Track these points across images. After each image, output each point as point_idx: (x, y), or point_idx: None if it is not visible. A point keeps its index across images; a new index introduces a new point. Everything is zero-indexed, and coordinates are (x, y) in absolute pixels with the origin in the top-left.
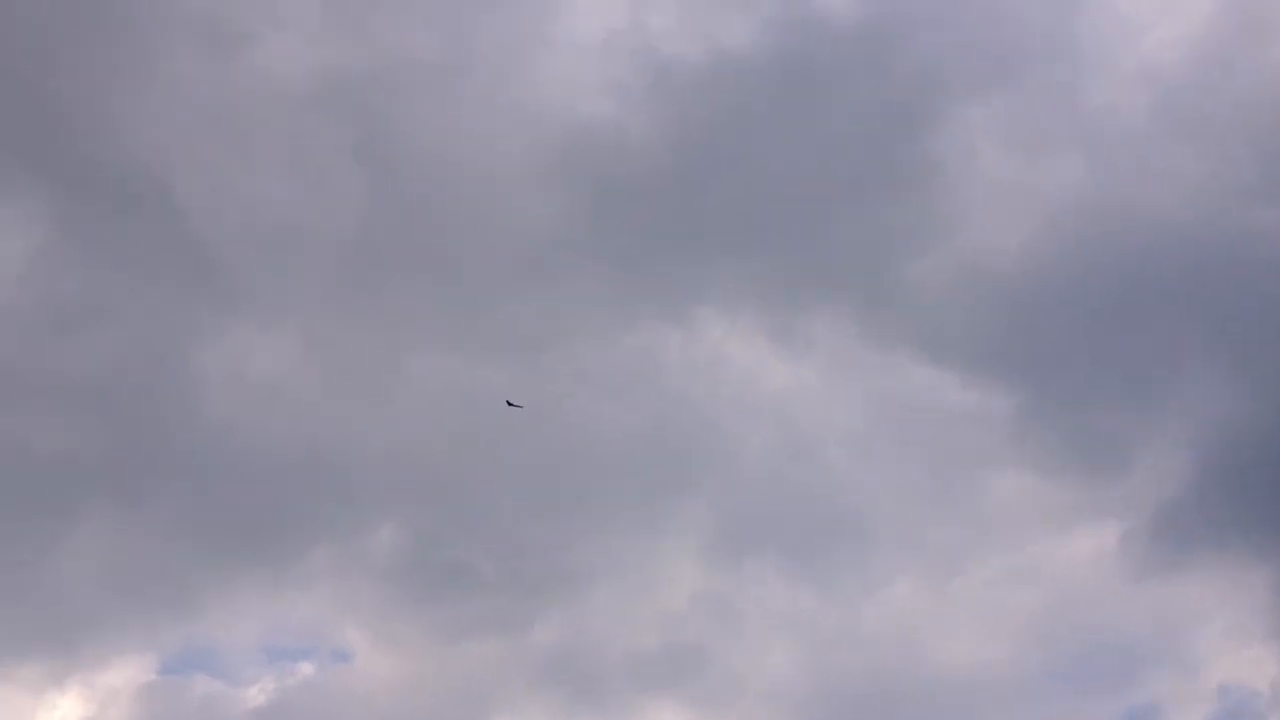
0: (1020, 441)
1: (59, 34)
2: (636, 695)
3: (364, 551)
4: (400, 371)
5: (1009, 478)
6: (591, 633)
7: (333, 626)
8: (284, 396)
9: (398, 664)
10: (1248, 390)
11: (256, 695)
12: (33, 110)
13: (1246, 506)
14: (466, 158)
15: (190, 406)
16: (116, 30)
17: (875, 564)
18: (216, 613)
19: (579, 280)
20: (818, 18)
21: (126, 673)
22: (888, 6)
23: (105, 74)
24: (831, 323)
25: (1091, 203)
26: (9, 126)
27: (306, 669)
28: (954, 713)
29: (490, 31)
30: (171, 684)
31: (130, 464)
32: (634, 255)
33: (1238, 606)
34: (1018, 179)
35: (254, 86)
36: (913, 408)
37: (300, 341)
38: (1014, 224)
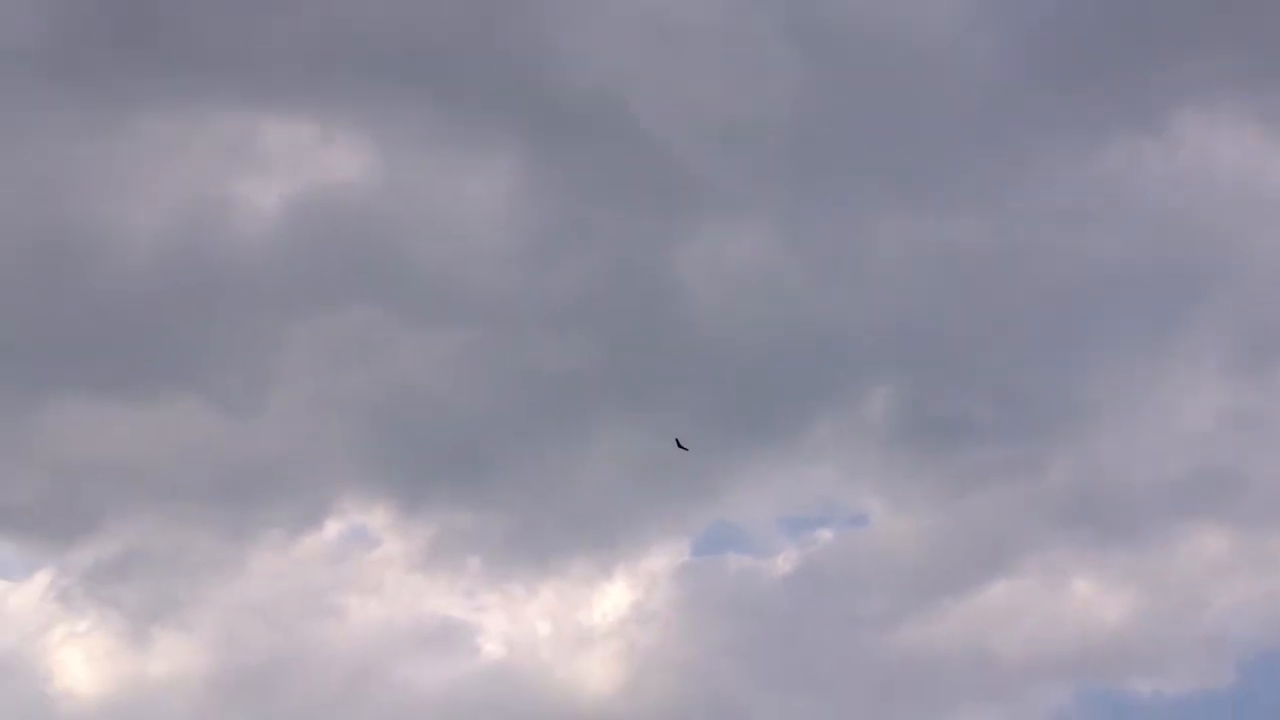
0: None
1: None
2: (1170, 523)
3: (864, 418)
4: (867, 237)
5: None
6: (1111, 466)
7: (845, 494)
8: (763, 280)
9: (915, 521)
10: None
11: (783, 564)
12: (491, 65)
13: None
14: (898, 16)
15: (679, 305)
16: None
17: None
18: (735, 494)
19: (1037, 112)
20: None
21: (664, 558)
22: None
23: (546, 13)
24: None
25: None
26: (475, 86)
27: (826, 536)
28: None
29: None
30: (704, 564)
31: (634, 368)
32: (1090, 72)
33: None
34: None
35: None
36: None
37: (768, 225)
38: None
